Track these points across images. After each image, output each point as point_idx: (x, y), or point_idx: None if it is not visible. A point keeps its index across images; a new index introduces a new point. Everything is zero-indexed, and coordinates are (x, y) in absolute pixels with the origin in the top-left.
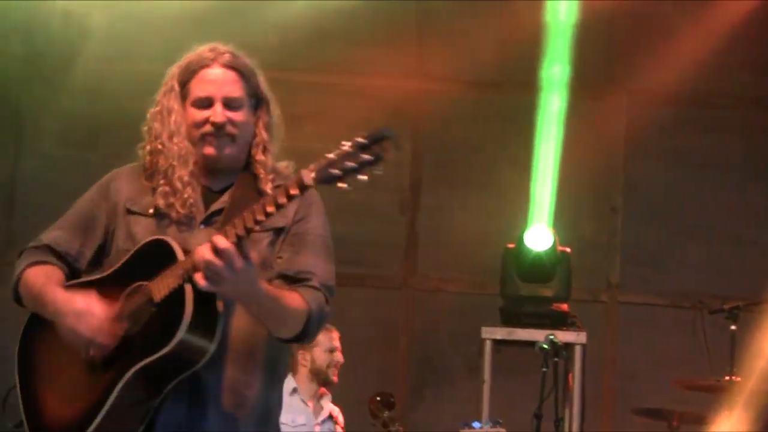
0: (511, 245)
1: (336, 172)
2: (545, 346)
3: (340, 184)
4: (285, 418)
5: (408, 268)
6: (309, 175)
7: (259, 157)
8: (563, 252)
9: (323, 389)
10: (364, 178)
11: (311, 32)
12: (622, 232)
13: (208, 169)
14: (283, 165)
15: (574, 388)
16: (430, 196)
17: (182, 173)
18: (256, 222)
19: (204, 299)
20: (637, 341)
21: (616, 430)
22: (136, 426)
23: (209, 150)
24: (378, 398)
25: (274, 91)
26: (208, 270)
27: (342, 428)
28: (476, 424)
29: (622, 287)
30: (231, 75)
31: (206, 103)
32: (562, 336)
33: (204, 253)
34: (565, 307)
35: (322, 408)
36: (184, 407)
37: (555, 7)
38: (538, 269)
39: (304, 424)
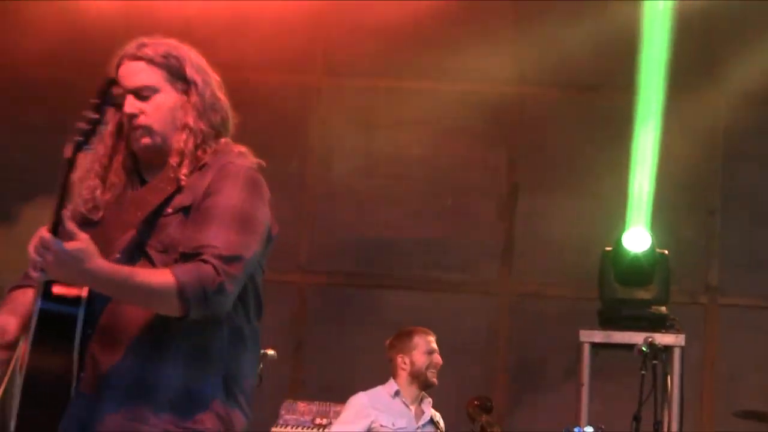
0: (609, 248)
1: (79, 138)
2: (644, 348)
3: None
4: (385, 421)
5: (505, 273)
6: (68, 149)
7: (177, 143)
8: (661, 254)
9: (425, 394)
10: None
11: (407, 37)
12: (720, 234)
13: (145, 163)
14: (235, 147)
15: (672, 391)
16: (527, 201)
17: (89, 182)
18: (60, 206)
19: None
20: (737, 343)
21: (717, 431)
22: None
23: (131, 144)
24: (476, 402)
25: (371, 98)
26: (32, 259)
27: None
28: (577, 429)
29: (721, 289)
30: (137, 65)
31: (124, 100)
32: (661, 338)
33: (30, 245)
34: (663, 309)
35: (423, 412)
36: (85, 396)
37: (652, 7)
38: (636, 271)
39: (404, 428)
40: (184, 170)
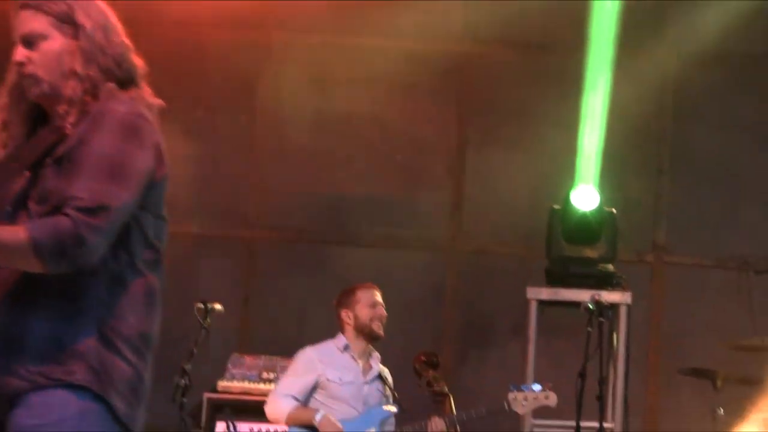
0: (557, 206)
1: None
2: (590, 306)
3: None
4: (332, 375)
5: (454, 230)
6: None
7: (65, 90)
8: (609, 212)
9: (373, 349)
10: None
11: None
12: (668, 193)
13: (47, 112)
14: (125, 92)
15: (618, 348)
16: (476, 158)
17: None
18: None
19: None
20: (682, 302)
21: (661, 389)
22: None
23: (27, 94)
24: (423, 358)
25: (321, 54)
26: None
27: (390, 389)
28: (525, 387)
29: (668, 248)
30: (26, 13)
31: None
32: (608, 296)
33: None
34: (610, 267)
35: (371, 367)
36: None
37: None
38: (584, 230)
39: (352, 382)
40: (71, 119)
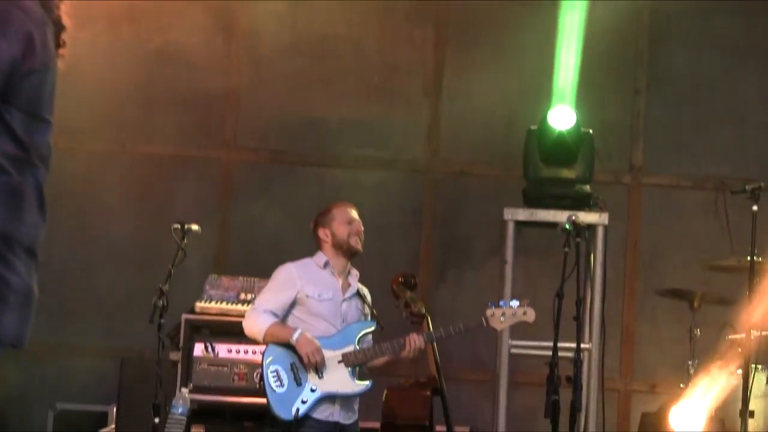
0: (534, 127)
1: None
2: (567, 226)
3: None
4: (312, 291)
5: (431, 151)
6: None
7: None
8: (586, 133)
9: (352, 267)
10: None
11: None
12: (645, 114)
13: None
14: None
15: (595, 269)
16: (453, 80)
17: None
18: None
19: None
20: (659, 223)
21: (638, 310)
22: None
23: None
24: (400, 279)
25: None
26: None
27: (369, 306)
28: (503, 303)
29: (645, 169)
30: None
31: None
32: (584, 217)
33: None
34: (587, 188)
35: (350, 285)
36: None
37: None
38: (561, 150)
39: (330, 299)
40: None
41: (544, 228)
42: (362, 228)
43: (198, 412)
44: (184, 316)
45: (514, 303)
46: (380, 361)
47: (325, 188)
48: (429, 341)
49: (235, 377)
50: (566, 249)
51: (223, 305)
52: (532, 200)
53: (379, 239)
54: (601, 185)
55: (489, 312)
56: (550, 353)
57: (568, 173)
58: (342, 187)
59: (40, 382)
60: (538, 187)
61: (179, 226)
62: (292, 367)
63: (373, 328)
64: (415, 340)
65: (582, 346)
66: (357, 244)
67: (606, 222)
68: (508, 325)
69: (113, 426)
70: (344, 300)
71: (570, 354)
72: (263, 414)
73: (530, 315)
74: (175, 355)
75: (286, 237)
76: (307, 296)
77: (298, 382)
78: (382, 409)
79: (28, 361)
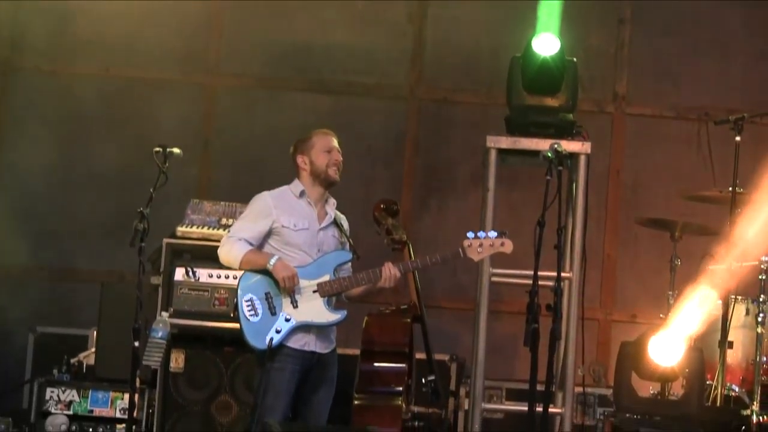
0: (518, 55)
1: None
2: (550, 155)
3: None
4: (287, 221)
5: (415, 77)
6: None
7: None
8: (570, 61)
9: (329, 195)
10: None
11: None
12: (630, 43)
13: None
14: None
15: (577, 198)
16: (438, 6)
17: None
18: None
19: None
20: (642, 153)
21: (619, 239)
22: None
23: None
24: (382, 205)
25: None
26: None
27: (346, 235)
28: (481, 234)
29: (629, 99)
30: None
31: None
32: (567, 145)
33: None
34: (570, 117)
35: (327, 213)
36: None
37: None
38: (545, 78)
39: (306, 228)
40: None
41: (527, 156)
42: (341, 158)
43: (178, 337)
44: (165, 241)
45: (492, 234)
46: (358, 290)
47: (308, 113)
48: (404, 271)
49: (216, 302)
50: (548, 177)
51: (205, 230)
52: (515, 128)
53: (362, 165)
54: (585, 114)
55: (466, 243)
56: (530, 282)
57: (551, 101)
58: (325, 112)
59: (21, 305)
60: (522, 115)
61: (160, 150)
62: (267, 297)
63: (349, 259)
64: (390, 269)
65: (562, 275)
66: (335, 174)
67: (588, 151)
68: (485, 255)
69: (93, 349)
70: (320, 229)
71: (550, 283)
72: (243, 339)
73: (508, 246)
74: (156, 280)
75: (269, 163)
76: (283, 226)
77: (273, 312)
78: (362, 337)
79: (9, 284)
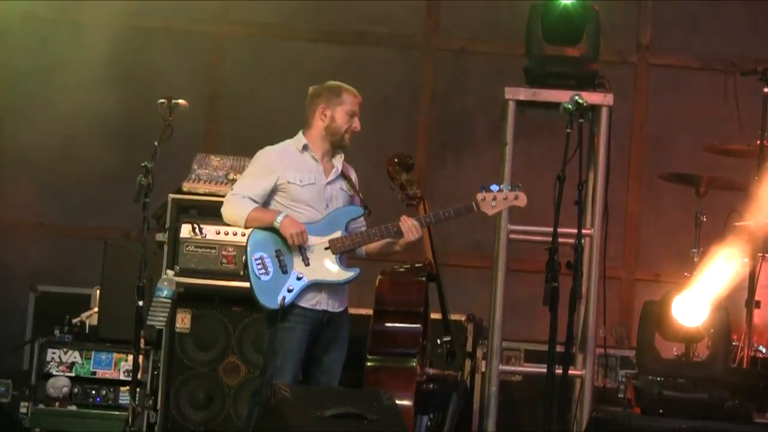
0: (537, 2)
1: None
2: (570, 107)
3: None
4: (293, 177)
5: (431, 27)
6: None
7: None
8: (592, 9)
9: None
10: None
11: None
12: None
13: None
14: None
15: (599, 151)
16: None
17: None
18: None
19: None
20: (667, 105)
21: (642, 195)
22: None
23: None
24: (396, 160)
25: None
26: None
27: (354, 188)
28: (494, 187)
29: (653, 48)
30: None
31: None
32: (588, 97)
33: None
34: (592, 67)
35: (333, 166)
36: None
37: None
38: (566, 26)
39: (313, 183)
40: None
41: (547, 109)
42: (360, 127)
43: (184, 296)
44: (171, 196)
45: (506, 187)
46: (376, 246)
47: (320, 62)
48: (420, 225)
49: (224, 260)
50: (568, 130)
51: (212, 185)
52: (534, 79)
53: (375, 118)
54: (607, 65)
55: (480, 196)
56: (549, 239)
57: (572, 51)
58: (338, 61)
59: (21, 263)
60: (541, 66)
61: (165, 102)
62: (278, 255)
63: (361, 214)
64: (408, 221)
65: (583, 231)
66: (348, 141)
67: (611, 103)
68: (499, 209)
69: (96, 309)
70: (328, 183)
71: (571, 240)
72: (252, 299)
73: (522, 200)
74: (161, 237)
75: (279, 115)
76: (289, 182)
77: (284, 270)
78: (375, 296)
79: (9, 241)
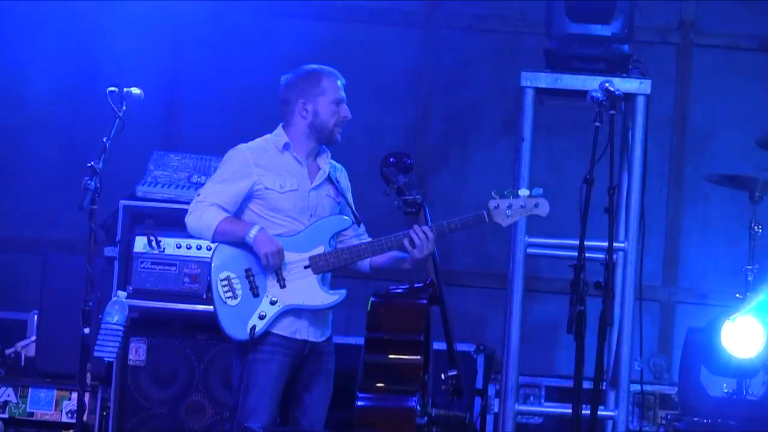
0: None
1: None
2: (599, 95)
3: None
4: (271, 182)
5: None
6: None
7: None
8: None
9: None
10: None
11: None
12: None
13: None
14: None
15: (634, 149)
16: None
17: None
18: None
19: None
20: (714, 92)
21: (686, 201)
22: None
23: None
24: (391, 159)
25: None
26: None
27: (342, 193)
28: (509, 193)
29: (698, 26)
30: None
31: None
32: (621, 84)
33: None
34: (625, 48)
35: (319, 168)
36: None
37: None
38: (594, 0)
39: (295, 190)
40: None
41: (572, 98)
42: (350, 115)
43: (139, 322)
44: (122, 202)
45: (524, 192)
46: (381, 261)
47: (303, 44)
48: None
49: (186, 279)
50: (597, 124)
51: (171, 189)
52: (556, 63)
53: (368, 108)
54: (644, 46)
55: (492, 204)
56: (575, 254)
57: (602, 30)
58: (328, 41)
59: None
60: (565, 47)
61: (116, 89)
62: (248, 275)
63: (349, 226)
64: (421, 232)
65: (615, 245)
66: (338, 134)
67: (648, 91)
68: (515, 219)
69: (33, 338)
70: (312, 189)
71: (600, 255)
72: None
73: (543, 207)
74: (111, 251)
75: (253, 106)
76: (266, 188)
77: (255, 293)
78: (366, 322)
79: None
